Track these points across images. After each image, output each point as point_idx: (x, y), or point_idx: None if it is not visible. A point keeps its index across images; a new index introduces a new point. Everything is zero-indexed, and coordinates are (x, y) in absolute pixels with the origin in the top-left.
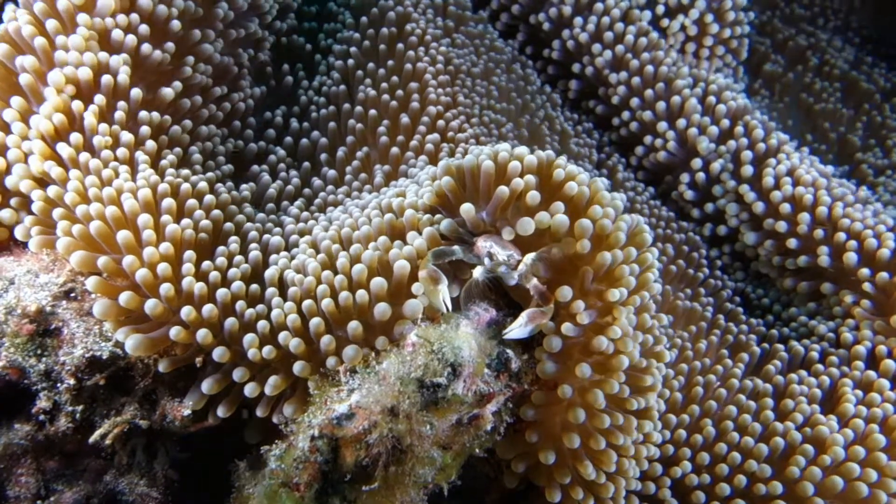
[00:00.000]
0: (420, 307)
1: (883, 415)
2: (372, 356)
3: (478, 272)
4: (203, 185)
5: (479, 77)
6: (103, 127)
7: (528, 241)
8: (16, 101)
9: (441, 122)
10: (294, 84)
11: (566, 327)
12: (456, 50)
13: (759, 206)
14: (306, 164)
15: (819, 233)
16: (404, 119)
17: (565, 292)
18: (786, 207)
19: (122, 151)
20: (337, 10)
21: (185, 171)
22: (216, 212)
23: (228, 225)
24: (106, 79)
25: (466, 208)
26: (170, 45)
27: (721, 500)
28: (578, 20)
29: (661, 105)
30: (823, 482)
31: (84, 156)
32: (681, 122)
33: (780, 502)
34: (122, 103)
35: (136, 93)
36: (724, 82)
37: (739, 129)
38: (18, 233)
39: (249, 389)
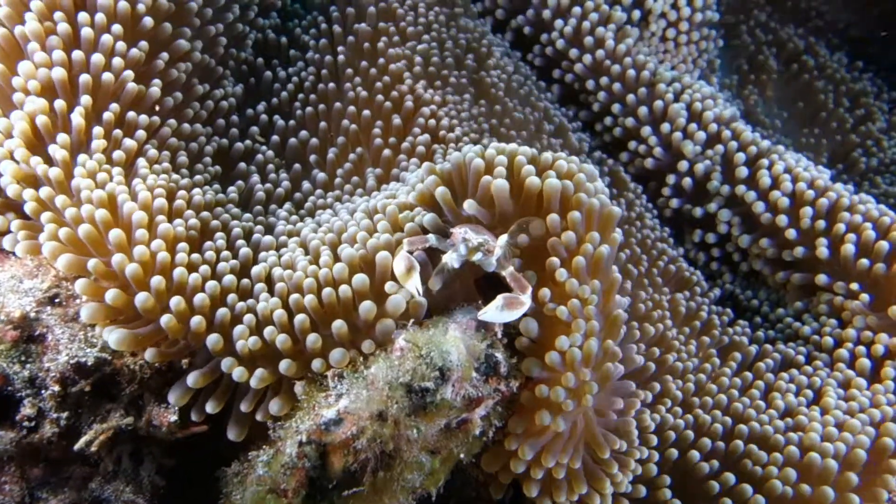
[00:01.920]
0: (403, 303)
1: (859, 407)
2: (360, 360)
3: (450, 257)
4: (195, 189)
5: (472, 72)
6: (97, 130)
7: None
8: None
9: (433, 122)
10: (273, 79)
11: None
12: (447, 49)
13: (759, 206)
14: (297, 165)
15: (820, 224)
16: (396, 120)
17: (529, 275)
18: (784, 202)
19: (118, 154)
20: (320, 3)
21: (175, 176)
22: (205, 213)
23: (215, 223)
24: (84, 78)
25: (441, 191)
26: (143, 44)
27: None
28: (559, 23)
29: (643, 110)
30: (802, 461)
31: (81, 157)
32: (665, 127)
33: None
34: (113, 105)
35: (127, 91)
36: (709, 90)
37: (727, 133)
38: (6, 243)
39: (238, 374)
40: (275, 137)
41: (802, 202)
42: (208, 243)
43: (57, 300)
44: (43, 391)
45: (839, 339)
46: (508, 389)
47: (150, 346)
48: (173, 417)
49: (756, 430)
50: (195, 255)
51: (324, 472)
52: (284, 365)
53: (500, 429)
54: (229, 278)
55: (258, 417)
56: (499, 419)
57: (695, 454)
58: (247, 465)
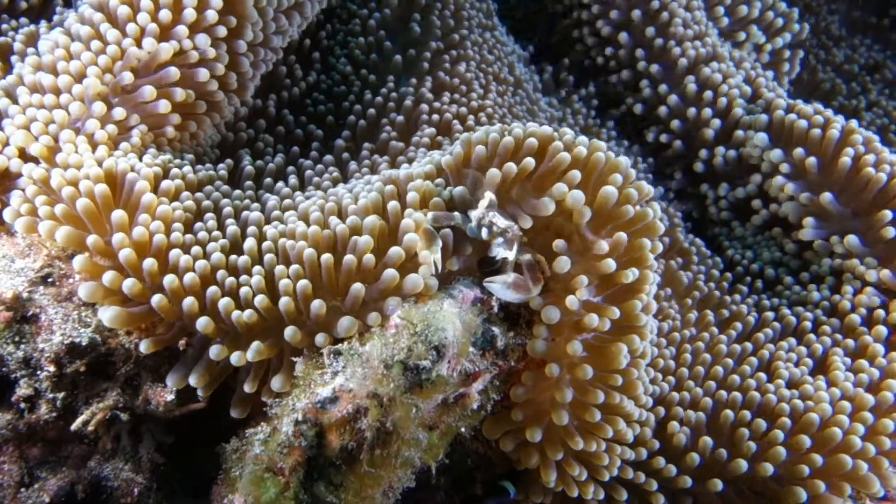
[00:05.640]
0: (421, 282)
1: (869, 379)
2: (355, 337)
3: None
4: (187, 168)
5: (493, 76)
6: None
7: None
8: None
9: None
10: (288, 75)
11: (570, 300)
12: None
13: (802, 123)
14: (294, 148)
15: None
16: (399, 119)
17: (563, 263)
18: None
19: (123, 144)
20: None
21: (167, 157)
22: (199, 194)
23: (207, 203)
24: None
25: (493, 173)
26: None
27: (717, 459)
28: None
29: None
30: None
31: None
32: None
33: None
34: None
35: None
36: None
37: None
38: (7, 215)
39: (235, 358)
40: (280, 128)
41: (850, 142)
42: (198, 224)
43: (50, 280)
44: (38, 372)
45: (854, 305)
46: (506, 363)
47: (145, 334)
48: (170, 397)
49: (755, 400)
50: (189, 236)
51: (321, 450)
52: (290, 332)
53: (498, 402)
54: (218, 256)
55: (263, 399)
56: (496, 392)
57: (675, 424)
58: (245, 442)
